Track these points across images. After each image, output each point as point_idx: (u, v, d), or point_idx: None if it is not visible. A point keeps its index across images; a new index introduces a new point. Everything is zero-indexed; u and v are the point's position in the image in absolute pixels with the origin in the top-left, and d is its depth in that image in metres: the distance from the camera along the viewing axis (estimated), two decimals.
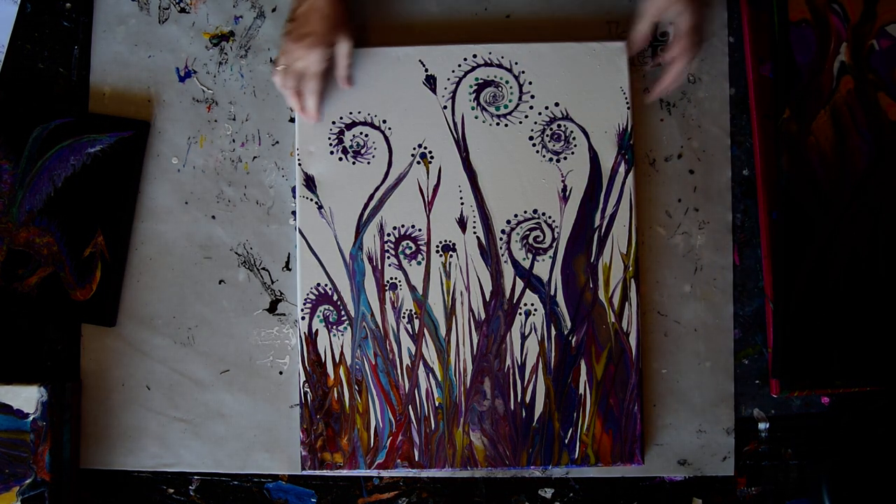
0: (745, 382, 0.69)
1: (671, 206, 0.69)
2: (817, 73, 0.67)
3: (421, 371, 0.66)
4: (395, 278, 0.67)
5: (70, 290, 0.69)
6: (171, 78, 0.70)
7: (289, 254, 0.70)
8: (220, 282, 0.70)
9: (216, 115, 0.70)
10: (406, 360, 0.67)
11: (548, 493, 0.69)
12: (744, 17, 0.69)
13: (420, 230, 0.67)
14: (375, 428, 0.66)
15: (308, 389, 0.67)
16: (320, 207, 0.67)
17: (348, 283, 0.67)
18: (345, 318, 0.67)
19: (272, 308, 0.70)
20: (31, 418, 0.64)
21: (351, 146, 0.67)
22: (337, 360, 0.67)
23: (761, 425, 0.69)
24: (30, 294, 0.69)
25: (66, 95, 0.70)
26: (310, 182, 0.67)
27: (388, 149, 0.67)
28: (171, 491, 0.70)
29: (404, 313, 0.67)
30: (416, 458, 0.66)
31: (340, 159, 0.67)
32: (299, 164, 0.67)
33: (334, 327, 0.67)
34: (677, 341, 0.69)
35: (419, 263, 0.67)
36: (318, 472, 0.67)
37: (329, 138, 0.68)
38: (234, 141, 0.70)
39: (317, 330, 0.67)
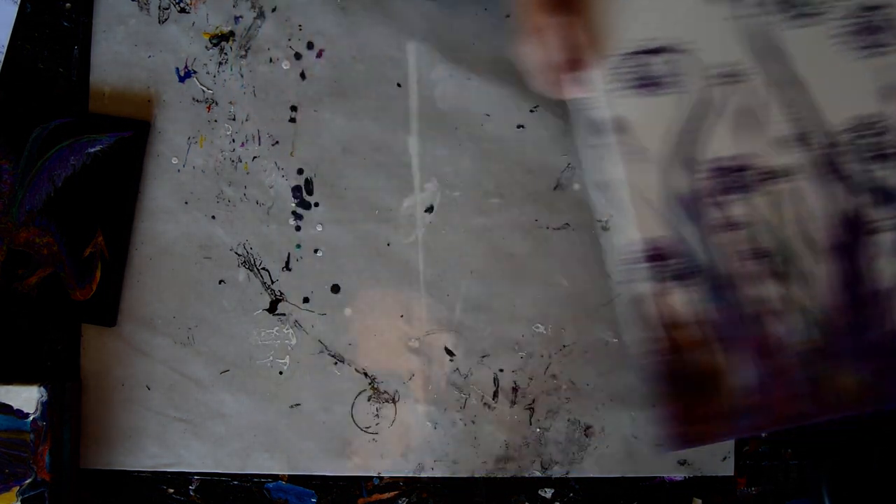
0: None
1: None
2: None
3: (781, 315, 0.59)
4: (734, 217, 0.60)
5: (70, 290, 0.69)
6: (171, 78, 0.70)
7: (289, 254, 0.70)
8: (220, 282, 0.70)
9: (216, 115, 0.70)
10: (761, 307, 0.59)
11: (548, 493, 0.69)
12: None
13: (746, 160, 0.59)
14: (743, 386, 0.59)
15: (664, 355, 0.59)
16: (635, 149, 0.59)
17: (684, 232, 0.60)
18: (687, 270, 0.59)
19: (272, 308, 0.70)
20: (31, 418, 0.64)
21: (652, 77, 0.60)
22: (689, 317, 0.59)
23: None
24: (30, 294, 0.69)
25: (66, 95, 0.70)
26: (618, 122, 0.59)
27: (691, 74, 0.60)
28: (171, 491, 0.70)
29: (751, 255, 0.59)
30: (795, 413, 0.59)
31: (641, 94, 0.60)
32: (601, 106, 0.59)
33: (682, 282, 0.59)
34: None
35: (751, 198, 0.60)
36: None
37: (626, 71, 0.60)
38: (234, 141, 0.70)
39: (664, 287, 0.59)
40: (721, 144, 0.60)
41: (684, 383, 0.59)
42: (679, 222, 0.60)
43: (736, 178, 0.60)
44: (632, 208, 0.60)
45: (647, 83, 0.60)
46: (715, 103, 0.60)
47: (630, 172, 0.60)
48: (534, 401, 0.69)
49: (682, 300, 0.60)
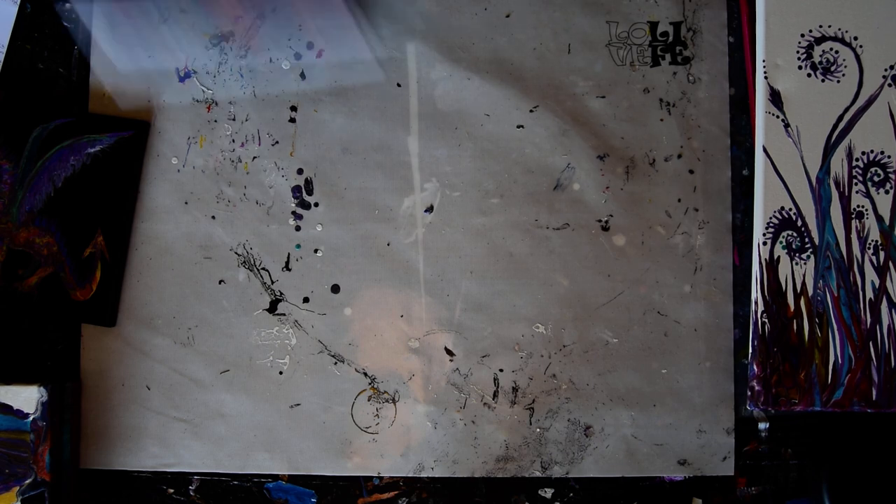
0: (745, 382, 0.69)
1: (671, 206, 0.69)
2: None
3: (883, 306, 0.63)
4: (862, 206, 0.63)
5: (70, 290, 0.69)
6: (171, 78, 0.70)
7: (289, 254, 0.70)
8: (220, 282, 0.70)
9: (216, 115, 0.70)
10: (869, 294, 0.63)
11: (548, 493, 0.69)
12: (743, 17, 0.69)
13: (889, 157, 0.63)
14: (834, 364, 0.63)
15: (766, 320, 0.63)
16: (787, 125, 0.63)
17: (813, 209, 0.63)
18: (808, 245, 0.63)
19: (272, 308, 0.70)
20: (31, 418, 0.64)
21: (820, 62, 0.64)
22: (798, 289, 0.63)
23: (761, 425, 0.69)
24: (30, 294, 0.69)
25: (66, 95, 0.70)
26: (776, 97, 0.63)
27: (858, 68, 0.63)
28: (171, 491, 0.70)
29: (869, 244, 0.63)
30: (874, 398, 0.63)
31: (809, 75, 0.64)
32: (765, 77, 0.64)
33: (797, 255, 0.63)
34: (677, 341, 0.69)
35: (887, 192, 0.63)
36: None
37: (798, 52, 0.64)
38: (234, 141, 0.70)
39: (778, 257, 0.63)
40: (869, 139, 0.63)
41: (780, 348, 0.62)
42: (804, 199, 0.63)
43: (872, 172, 0.63)
44: (762, 174, 0.63)
45: (813, 67, 0.63)
46: (871, 99, 0.63)
47: (769, 143, 0.63)
48: (534, 401, 0.69)
49: (792, 271, 0.63)
